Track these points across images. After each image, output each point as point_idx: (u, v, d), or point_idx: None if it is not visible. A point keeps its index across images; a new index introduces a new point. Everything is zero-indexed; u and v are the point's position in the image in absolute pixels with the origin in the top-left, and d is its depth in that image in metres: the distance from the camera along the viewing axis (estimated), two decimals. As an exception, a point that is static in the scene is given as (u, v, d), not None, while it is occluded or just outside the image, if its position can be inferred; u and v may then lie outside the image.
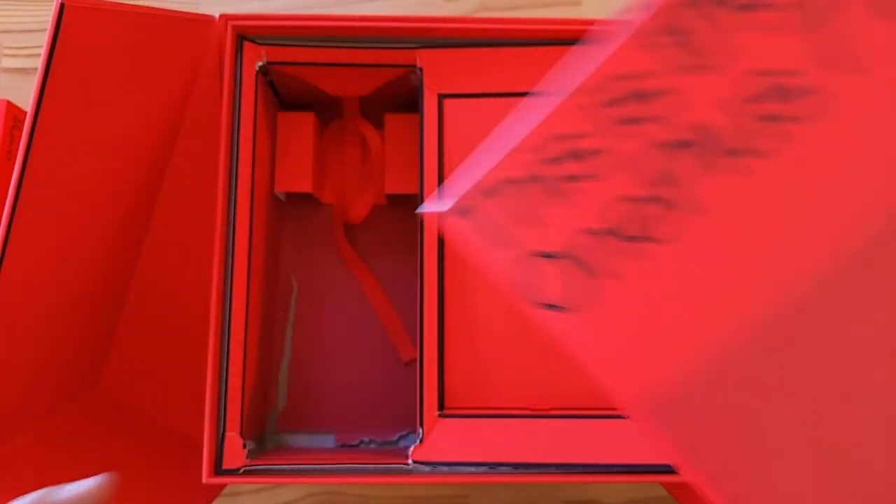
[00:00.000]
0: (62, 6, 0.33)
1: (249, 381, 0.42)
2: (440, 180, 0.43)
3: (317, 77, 0.45)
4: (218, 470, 0.39)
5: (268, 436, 0.49)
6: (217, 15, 0.42)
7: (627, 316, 0.22)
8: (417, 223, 0.42)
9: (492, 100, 0.43)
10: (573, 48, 0.42)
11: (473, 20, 0.45)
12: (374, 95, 0.47)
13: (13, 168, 0.33)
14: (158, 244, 0.47)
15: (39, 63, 0.33)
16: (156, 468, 0.44)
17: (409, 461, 0.39)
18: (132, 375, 0.47)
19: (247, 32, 0.43)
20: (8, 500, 0.34)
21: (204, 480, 0.38)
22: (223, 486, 0.48)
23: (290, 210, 0.52)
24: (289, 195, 0.51)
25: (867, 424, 0.22)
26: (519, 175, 0.25)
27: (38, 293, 0.37)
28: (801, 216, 0.22)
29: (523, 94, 0.43)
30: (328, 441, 0.49)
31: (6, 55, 0.56)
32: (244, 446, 0.40)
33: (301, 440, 0.49)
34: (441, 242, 0.42)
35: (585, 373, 0.23)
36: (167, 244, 0.47)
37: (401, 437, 0.49)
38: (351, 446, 0.49)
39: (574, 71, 0.27)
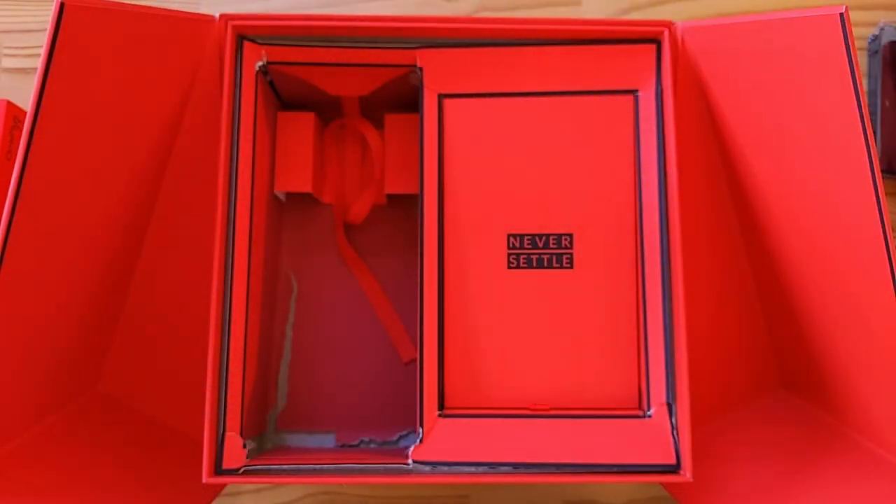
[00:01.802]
0: (62, 6, 0.33)
1: (249, 381, 0.42)
2: (440, 180, 0.43)
3: (317, 77, 0.45)
4: (218, 470, 0.39)
5: (268, 436, 0.49)
6: (217, 15, 0.42)
7: None
8: (417, 223, 0.42)
9: (492, 100, 0.43)
10: (573, 48, 0.42)
11: (473, 20, 0.45)
12: (374, 95, 0.47)
13: (13, 168, 0.33)
14: (158, 244, 0.47)
15: (39, 63, 0.33)
16: (156, 468, 0.44)
17: (409, 461, 0.39)
18: (132, 375, 0.47)
19: (247, 32, 0.43)
20: (9, 500, 0.34)
21: (204, 480, 0.38)
22: (223, 485, 0.48)
23: (290, 210, 0.52)
24: (289, 195, 0.51)
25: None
26: None
27: (39, 293, 0.37)
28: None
29: (523, 94, 0.43)
30: (328, 441, 0.49)
31: (6, 55, 0.56)
32: (244, 446, 0.40)
33: (301, 440, 0.49)
34: (441, 242, 0.43)
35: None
36: (167, 244, 0.47)
37: (401, 437, 0.49)
38: (351, 446, 0.49)
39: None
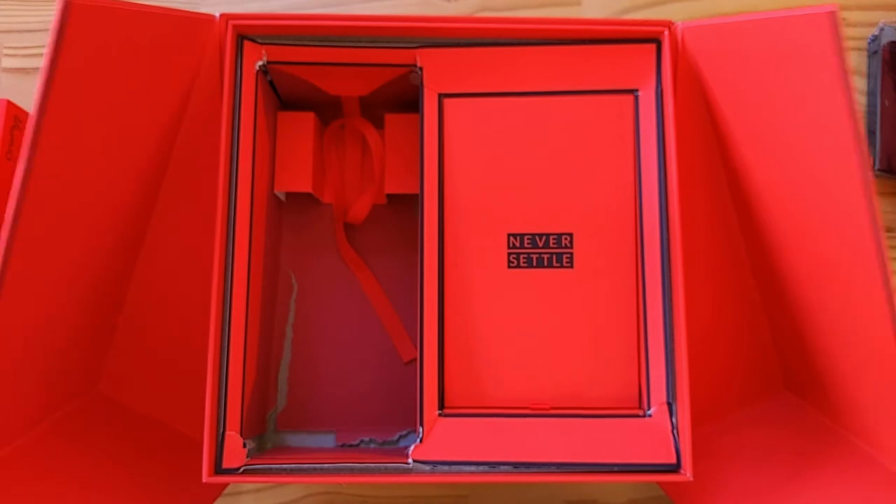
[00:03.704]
0: (66, 4, 0.33)
1: (249, 381, 0.42)
2: (440, 180, 0.43)
3: (317, 77, 0.45)
4: (218, 469, 0.39)
5: (268, 436, 0.49)
6: (217, 15, 0.42)
7: None
8: (417, 223, 0.43)
9: (492, 100, 0.43)
10: (573, 48, 0.42)
11: (473, 20, 0.45)
12: (374, 95, 0.47)
13: (13, 168, 0.33)
14: (158, 243, 0.47)
15: (42, 62, 0.33)
16: (156, 468, 0.44)
17: (409, 460, 0.39)
18: (132, 375, 0.47)
19: (247, 32, 0.43)
20: (10, 502, 0.34)
21: (204, 480, 0.38)
22: (224, 486, 0.48)
23: (290, 210, 0.52)
24: (289, 195, 0.51)
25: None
26: None
27: (41, 295, 0.37)
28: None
29: (523, 94, 0.43)
30: (328, 441, 0.49)
31: (6, 55, 0.56)
32: (244, 445, 0.40)
33: (301, 440, 0.49)
34: (441, 242, 0.43)
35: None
36: (167, 243, 0.47)
37: (401, 437, 0.49)
38: (351, 446, 0.49)
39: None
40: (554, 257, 0.42)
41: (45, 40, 0.59)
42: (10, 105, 0.51)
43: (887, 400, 0.37)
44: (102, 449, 0.43)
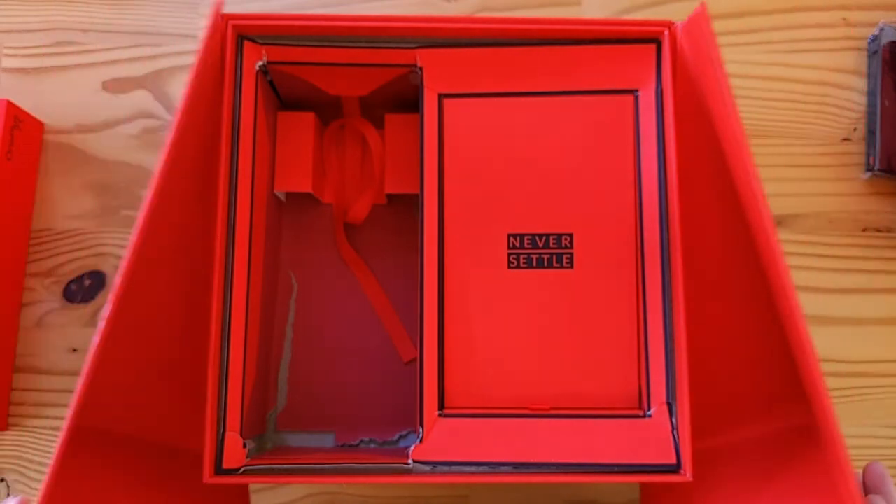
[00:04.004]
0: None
1: (249, 381, 0.42)
2: (440, 180, 0.43)
3: (317, 77, 0.45)
4: (218, 469, 0.39)
5: (268, 436, 0.49)
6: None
7: None
8: (417, 223, 0.43)
9: (492, 100, 0.43)
10: (573, 48, 0.42)
11: (473, 20, 0.45)
12: (374, 95, 0.47)
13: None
14: (154, 244, 0.46)
15: (191, 72, 0.35)
16: (160, 489, 0.42)
17: (409, 461, 0.39)
18: (113, 399, 0.43)
19: (247, 32, 0.43)
20: None
21: (205, 480, 0.38)
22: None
23: (290, 210, 0.52)
24: (289, 195, 0.51)
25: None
26: None
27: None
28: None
29: (523, 94, 0.43)
30: (328, 441, 0.49)
31: (6, 55, 0.56)
32: (244, 446, 0.40)
33: (301, 440, 0.49)
34: (441, 242, 0.43)
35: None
36: (163, 244, 0.46)
37: (401, 437, 0.49)
38: (351, 446, 0.49)
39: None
40: (554, 257, 0.42)
41: (45, 40, 0.60)
42: (10, 105, 0.51)
43: (820, 421, 0.35)
44: (100, 489, 0.38)
